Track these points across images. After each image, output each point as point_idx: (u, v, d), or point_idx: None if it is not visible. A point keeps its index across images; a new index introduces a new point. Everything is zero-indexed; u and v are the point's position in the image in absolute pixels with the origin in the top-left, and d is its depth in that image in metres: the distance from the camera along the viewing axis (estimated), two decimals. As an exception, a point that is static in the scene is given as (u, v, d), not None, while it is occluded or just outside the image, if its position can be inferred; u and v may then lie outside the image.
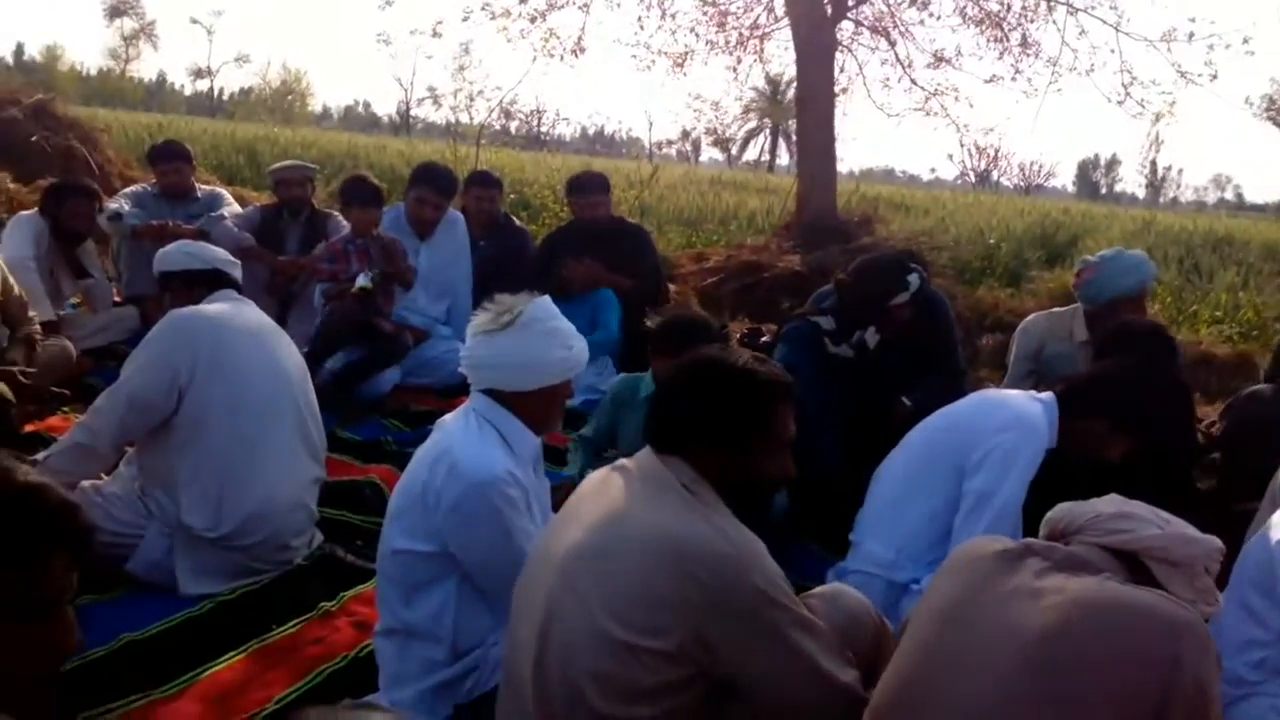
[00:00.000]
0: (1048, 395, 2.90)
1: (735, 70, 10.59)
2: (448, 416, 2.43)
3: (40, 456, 3.02)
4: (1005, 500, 2.71)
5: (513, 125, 18.40)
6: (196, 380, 2.96)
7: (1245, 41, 8.48)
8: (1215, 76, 8.39)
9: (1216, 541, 1.74)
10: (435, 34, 11.26)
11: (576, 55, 10.33)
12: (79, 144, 9.58)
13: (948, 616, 1.71)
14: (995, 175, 43.40)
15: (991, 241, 9.86)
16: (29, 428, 3.97)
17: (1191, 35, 8.25)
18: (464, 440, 2.27)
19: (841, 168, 9.51)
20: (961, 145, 42.44)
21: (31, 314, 4.44)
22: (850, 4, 8.87)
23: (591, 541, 1.79)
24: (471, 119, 18.51)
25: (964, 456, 2.79)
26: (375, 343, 4.75)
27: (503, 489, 2.20)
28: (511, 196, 10.33)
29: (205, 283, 3.21)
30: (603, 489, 1.91)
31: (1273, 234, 12.03)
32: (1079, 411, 2.81)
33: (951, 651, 1.65)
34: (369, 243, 4.78)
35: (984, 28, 8.97)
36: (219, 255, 3.32)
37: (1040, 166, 49.54)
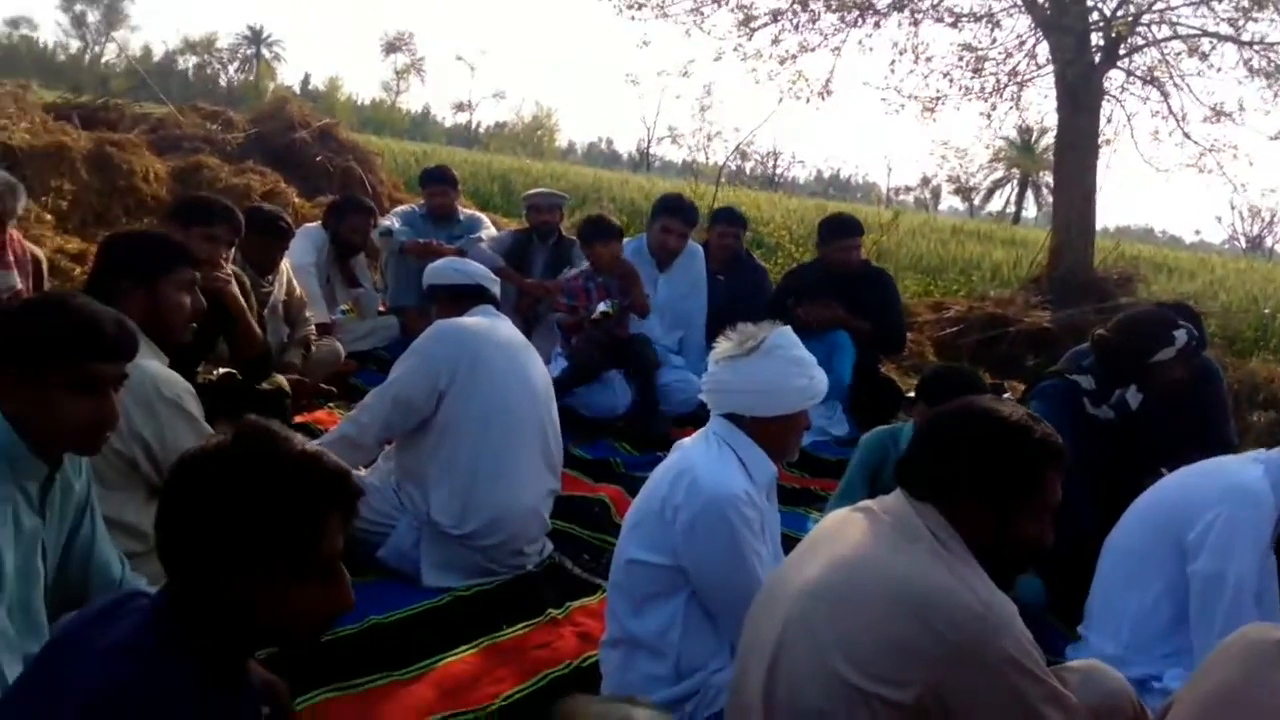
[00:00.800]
0: (1274, 452, 2.62)
1: (989, 117, 10.26)
2: (686, 439, 2.48)
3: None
4: (1239, 578, 2.50)
5: (748, 166, 18.66)
6: (455, 387, 3.15)
7: None
8: None
9: None
10: (685, 74, 11.55)
11: (824, 98, 10.32)
12: (356, 165, 10.48)
13: (1218, 701, 1.56)
14: (1270, 241, 39.74)
15: (1267, 311, 8.99)
16: (298, 419, 4.34)
17: None
18: (704, 459, 2.32)
19: (1098, 223, 8.96)
20: (1233, 208, 39.27)
21: (309, 314, 4.89)
22: (1121, 53, 8.40)
23: (831, 580, 1.76)
24: (708, 159, 18.87)
25: (1181, 536, 2.58)
26: (628, 360, 4.88)
27: (740, 508, 2.23)
28: (746, 235, 10.41)
29: (469, 297, 3.41)
30: (845, 528, 1.87)
31: None
32: None
33: None
34: (608, 279, 4.94)
35: (1271, 81, 8.26)
36: (482, 272, 3.52)
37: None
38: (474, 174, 16.44)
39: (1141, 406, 3.57)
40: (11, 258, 3.89)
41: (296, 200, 8.72)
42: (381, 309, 6.12)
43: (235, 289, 3.69)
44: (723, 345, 2.41)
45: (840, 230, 5.50)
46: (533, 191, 6.70)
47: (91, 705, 1.23)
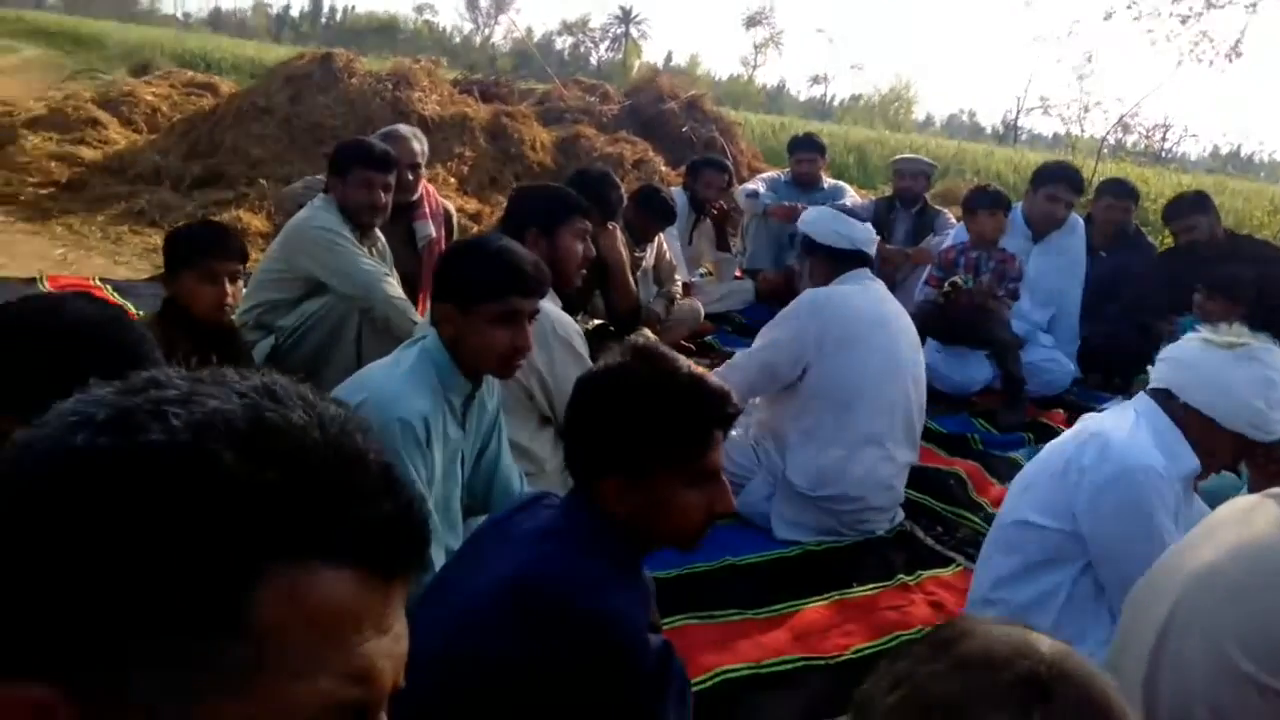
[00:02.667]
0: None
1: None
2: (1103, 414, 2.36)
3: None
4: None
5: (1130, 139, 16.97)
6: (822, 357, 3.19)
7: None
8: None
9: None
10: (1069, 34, 10.73)
11: (1231, 60, 9.21)
12: (719, 135, 10.81)
13: None
14: None
15: None
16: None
17: None
18: (1125, 426, 2.19)
19: None
20: None
21: (676, 275, 5.13)
22: None
23: (1229, 566, 1.61)
24: (1083, 130, 17.43)
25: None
26: (987, 340, 4.67)
27: (1157, 481, 2.09)
28: (1135, 209, 9.55)
29: (846, 260, 3.36)
30: (1249, 515, 1.71)
31: None
32: None
33: None
34: (982, 255, 4.69)
35: None
36: (865, 237, 3.39)
37: None
38: (830, 145, 16.33)
39: None
40: (428, 210, 4.42)
41: (663, 168, 9.16)
42: (737, 274, 6.29)
43: (618, 238, 3.96)
44: (1207, 330, 2.24)
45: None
46: (900, 156, 6.59)
47: (522, 575, 1.41)
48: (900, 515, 3.39)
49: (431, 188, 4.65)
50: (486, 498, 2.46)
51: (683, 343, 5.10)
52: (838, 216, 3.47)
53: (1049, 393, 4.80)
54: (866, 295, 3.34)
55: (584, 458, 1.56)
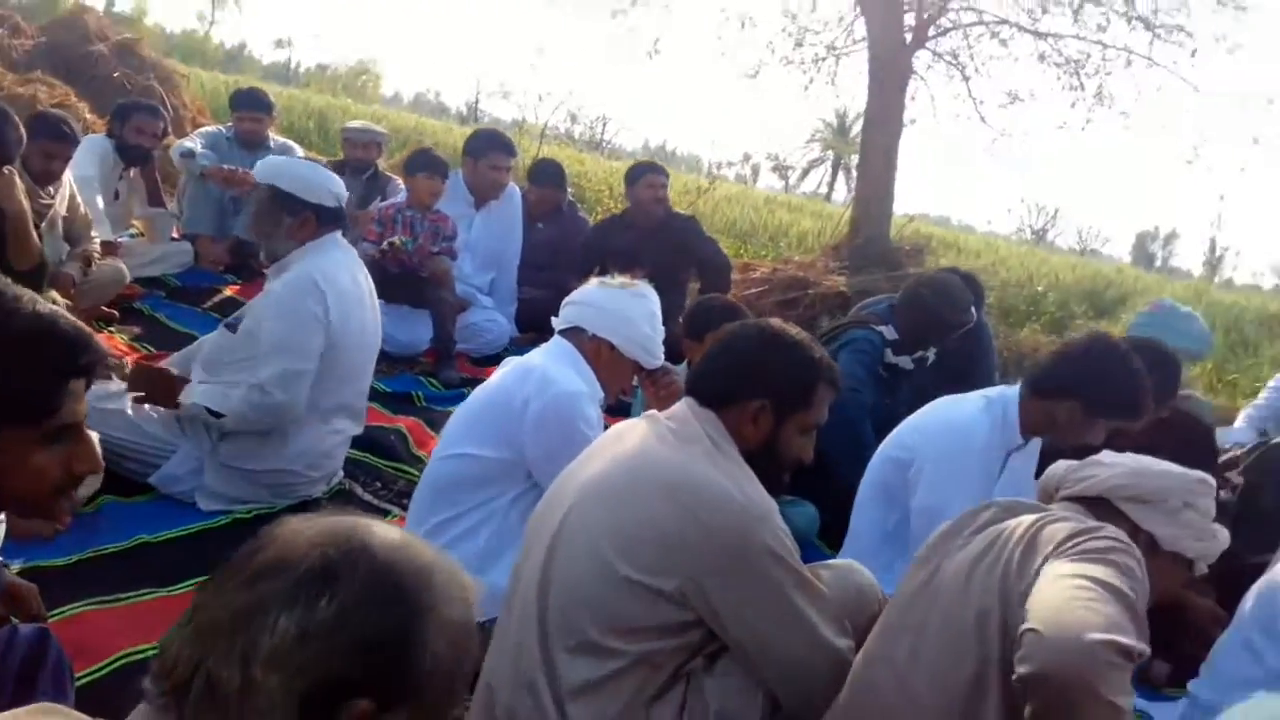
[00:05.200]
0: (997, 390, 2.92)
1: (807, 90, 10.60)
2: (526, 355, 2.59)
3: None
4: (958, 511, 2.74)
5: (577, 130, 18.63)
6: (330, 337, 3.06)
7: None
8: (1294, 145, 8.32)
9: (1195, 474, 1.74)
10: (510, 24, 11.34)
11: (651, 57, 10.40)
12: (158, 85, 9.80)
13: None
14: (1052, 235, 43.11)
15: (1040, 289, 9.80)
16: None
17: (1271, 100, 8.19)
18: (553, 361, 2.48)
19: (898, 207, 9.47)
20: (1023, 201, 42.37)
21: (94, 233, 4.56)
22: (930, 35, 8.86)
23: (608, 477, 1.83)
24: (537, 117, 18.71)
25: (908, 469, 2.84)
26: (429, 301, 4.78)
27: (584, 405, 2.38)
28: (570, 190, 10.45)
29: (328, 220, 3.11)
30: (629, 432, 1.95)
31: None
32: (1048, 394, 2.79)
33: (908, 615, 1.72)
34: (417, 216, 4.82)
35: (1061, 72, 8.92)
36: (344, 194, 3.21)
37: (1097, 231, 49.00)
38: (290, 108, 15.65)
39: (936, 358, 3.97)
40: None
41: (89, 116, 8.07)
42: (175, 235, 5.78)
43: (16, 185, 3.42)
44: (600, 280, 2.66)
45: (648, 168, 5.67)
46: (350, 124, 6.49)
47: None
48: (339, 475, 3.37)
49: None
50: None
51: (105, 309, 4.59)
52: (317, 169, 3.27)
53: (490, 351, 5.08)
54: (349, 263, 3.20)
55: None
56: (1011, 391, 2.87)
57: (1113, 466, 1.77)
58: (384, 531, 0.98)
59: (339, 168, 5.98)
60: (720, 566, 1.70)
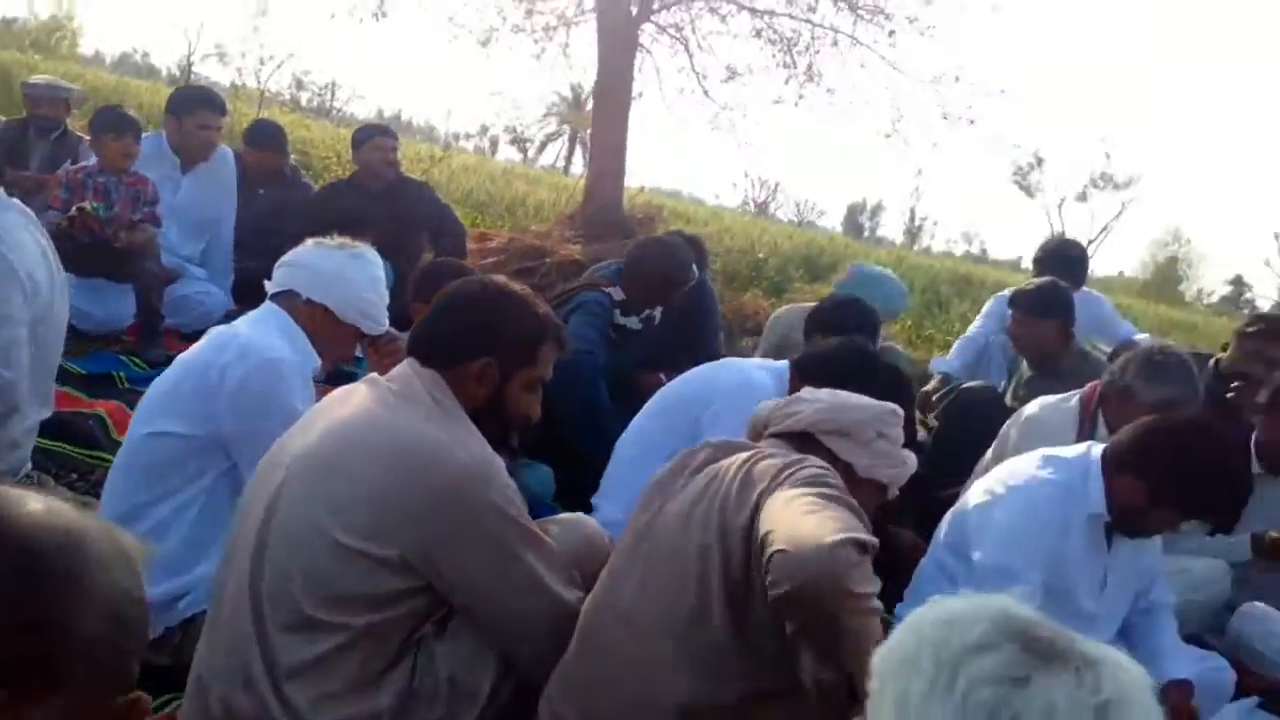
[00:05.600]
0: (781, 363, 3.07)
1: (539, 59, 10.58)
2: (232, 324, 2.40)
3: None
4: None
5: (304, 96, 17.70)
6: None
7: (1002, 92, 9.35)
8: (973, 121, 9.18)
9: (886, 405, 1.91)
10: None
11: (378, 19, 9.98)
12: None
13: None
14: (773, 208, 45.74)
15: (760, 256, 10.36)
16: None
17: (957, 78, 9.00)
18: (255, 328, 2.30)
19: (632, 181, 9.69)
20: (746, 175, 44.57)
21: None
22: (655, 8, 9.07)
23: (325, 444, 1.74)
24: (260, 82, 17.58)
25: (698, 415, 2.92)
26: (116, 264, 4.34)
27: (288, 370, 2.22)
28: (294, 158, 9.90)
29: None
30: (347, 397, 1.87)
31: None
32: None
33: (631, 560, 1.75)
34: (112, 181, 4.38)
35: (775, 50, 9.40)
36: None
37: (813, 204, 52.57)
38: (-39, 65, 13.87)
39: (663, 318, 4.09)
40: None
41: None
42: None
43: None
44: (319, 240, 2.46)
45: (375, 129, 5.51)
46: (32, 80, 5.80)
47: None
48: (28, 467, 3.02)
49: None
50: None
51: None
52: None
53: (202, 326, 4.70)
54: (25, 223, 2.82)
55: None
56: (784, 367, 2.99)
57: (814, 403, 1.88)
58: (22, 501, 0.87)
59: (22, 127, 5.39)
60: (445, 527, 1.67)
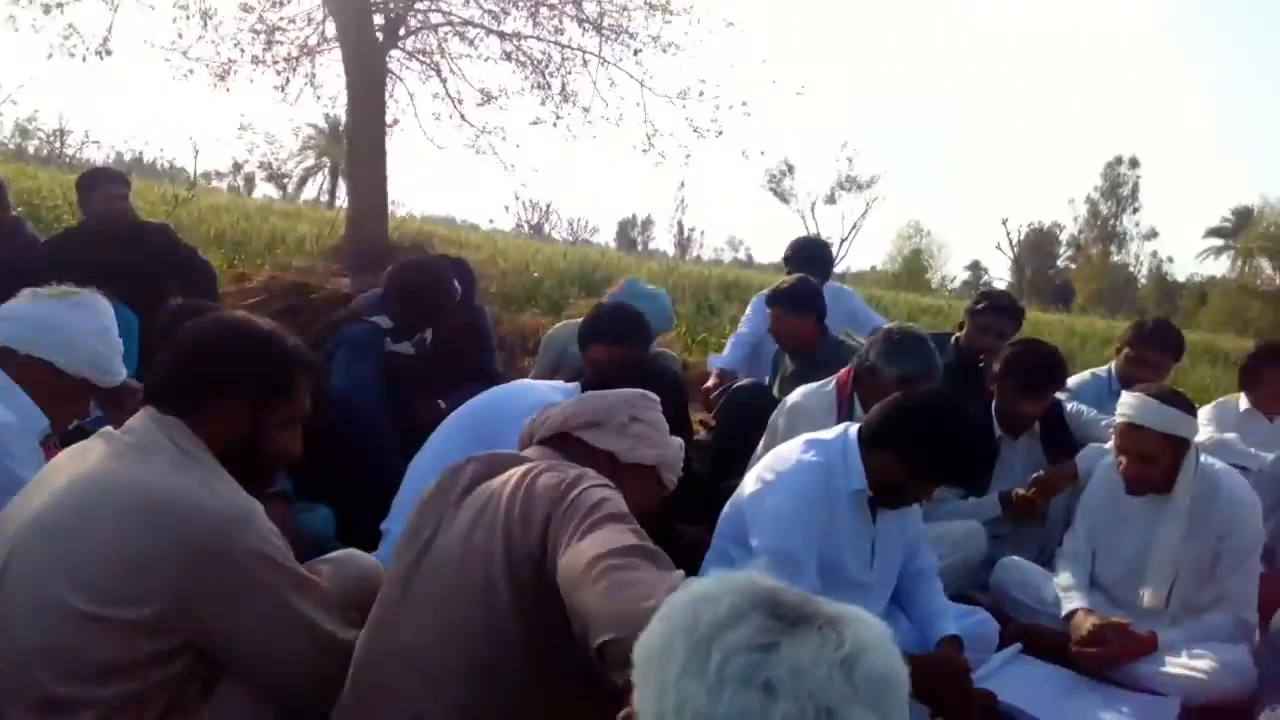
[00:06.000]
0: (572, 384, 3.10)
1: (284, 91, 10.19)
2: None
3: None
4: None
5: (31, 145, 16.22)
6: None
7: (744, 104, 9.78)
8: (721, 133, 9.58)
9: (634, 391, 1.95)
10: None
11: (102, 57, 9.30)
12: None
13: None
14: (547, 228, 46.11)
15: (536, 275, 10.40)
16: None
17: (702, 93, 9.38)
18: None
19: (401, 210, 9.52)
20: (517, 198, 44.70)
21: None
22: (401, 34, 8.94)
23: (58, 508, 1.60)
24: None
25: (495, 433, 2.89)
26: None
27: (6, 436, 2.03)
28: (18, 209, 9.06)
29: None
30: (81, 455, 1.72)
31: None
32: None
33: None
34: None
35: (528, 72, 9.48)
36: None
37: (586, 222, 53.32)
38: None
39: (434, 342, 4.04)
40: None
41: None
42: None
43: None
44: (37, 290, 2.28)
45: (101, 174, 5.15)
46: None
47: None
48: None
49: None
50: None
51: None
52: None
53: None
54: None
55: None
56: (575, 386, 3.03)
57: (564, 404, 1.90)
58: None
59: None
60: (205, 580, 1.56)
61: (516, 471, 1.68)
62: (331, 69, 9.67)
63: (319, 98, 10.38)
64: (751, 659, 0.86)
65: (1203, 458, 3.26)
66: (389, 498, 3.08)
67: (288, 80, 9.74)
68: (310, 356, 1.87)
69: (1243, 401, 4.45)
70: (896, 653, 0.92)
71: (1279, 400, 4.36)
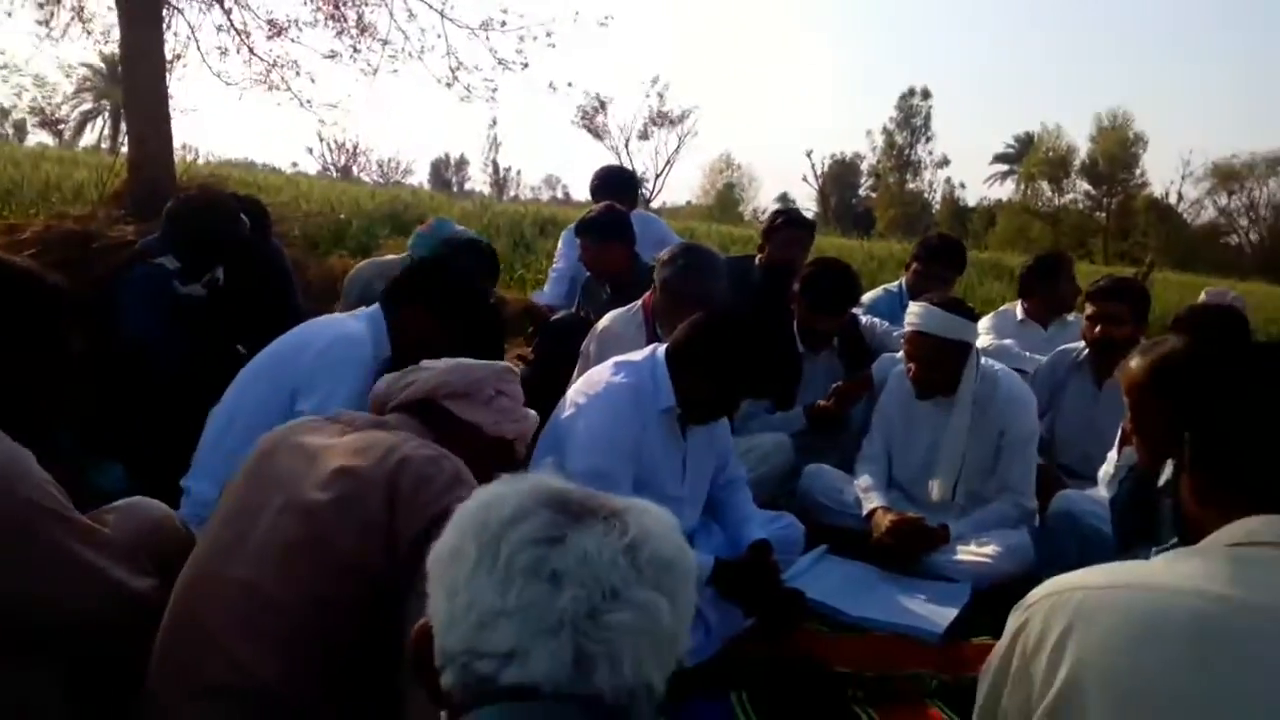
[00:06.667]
0: (372, 308, 3.03)
1: (48, 26, 9.31)
2: None
3: None
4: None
5: None
6: None
7: (549, 35, 9.58)
8: (526, 65, 9.38)
9: (501, 364, 1.96)
10: None
11: None
12: None
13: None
14: (356, 171, 44.39)
15: (342, 217, 10.01)
16: None
17: (504, 24, 9.14)
18: None
19: (194, 156, 8.91)
20: (321, 139, 42.70)
21: None
22: (178, -38, 8.31)
23: None
24: None
25: (294, 371, 2.81)
26: None
27: None
28: None
29: None
30: None
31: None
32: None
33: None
34: None
35: (320, 1, 8.99)
36: None
37: (398, 164, 51.61)
38: None
39: (228, 281, 3.77)
40: None
41: None
42: None
43: None
44: None
45: None
46: None
47: None
48: None
49: None
50: None
51: None
52: None
53: None
54: None
55: None
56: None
57: (431, 369, 1.86)
58: None
59: None
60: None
61: (386, 440, 1.63)
62: (102, 2, 8.92)
63: (89, 33, 9.53)
64: (538, 551, 0.88)
65: (983, 361, 3.52)
66: (188, 452, 2.94)
67: (52, 14, 8.93)
68: (72, 296, 1.74)
69: (1019, 311, 4.82)
70: (682, 539, 0.96)
71: (1050, 309, 4.75)
